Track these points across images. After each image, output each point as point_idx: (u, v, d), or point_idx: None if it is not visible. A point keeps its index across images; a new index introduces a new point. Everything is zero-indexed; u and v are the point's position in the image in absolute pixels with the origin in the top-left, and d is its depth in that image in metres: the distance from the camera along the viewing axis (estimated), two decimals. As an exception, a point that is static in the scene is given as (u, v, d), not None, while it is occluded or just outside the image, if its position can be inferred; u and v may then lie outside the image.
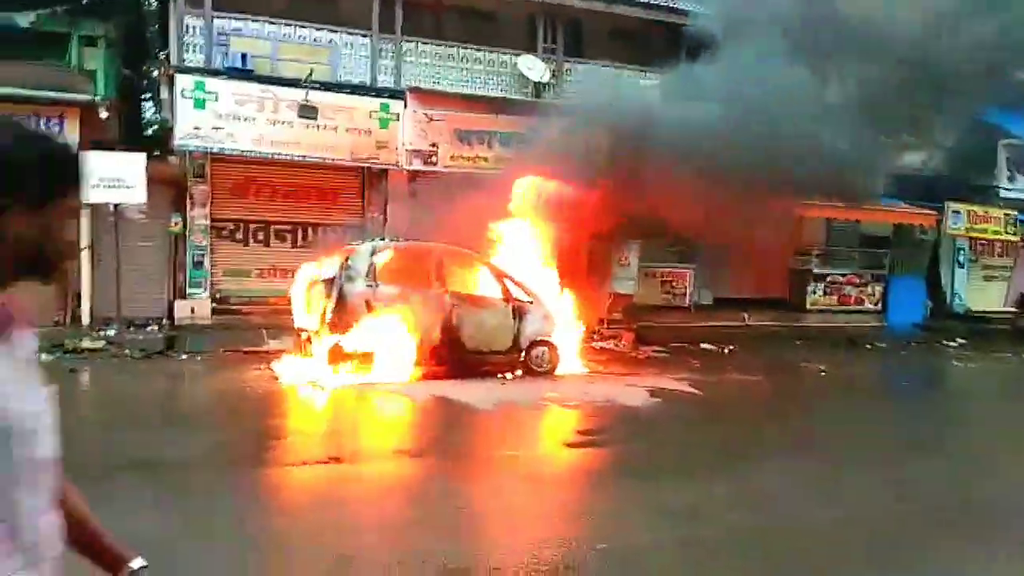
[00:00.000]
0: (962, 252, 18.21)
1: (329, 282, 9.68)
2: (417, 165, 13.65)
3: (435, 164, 13.68)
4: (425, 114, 13.57)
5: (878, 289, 17.23)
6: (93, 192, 10.41)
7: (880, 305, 17.24)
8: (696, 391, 9.49)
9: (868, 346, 14.35)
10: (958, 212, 16.75)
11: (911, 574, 4.36)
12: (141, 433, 6.76)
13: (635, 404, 8.68)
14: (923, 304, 17.52)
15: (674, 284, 15.89)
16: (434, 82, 14.16)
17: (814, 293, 16.70)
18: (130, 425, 7.08)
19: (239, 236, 13.48)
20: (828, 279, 16.83)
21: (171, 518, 4.75)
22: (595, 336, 12.78)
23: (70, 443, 5.16)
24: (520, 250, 11.18)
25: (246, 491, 5.31)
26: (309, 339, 9.71)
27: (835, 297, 16.90)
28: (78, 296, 12.13)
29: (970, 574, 4.36)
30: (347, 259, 9.76)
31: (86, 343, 10.74)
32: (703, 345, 13.18)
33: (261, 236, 13.63)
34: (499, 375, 9.89)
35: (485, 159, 13.84)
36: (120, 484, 5.38)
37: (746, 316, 15.55)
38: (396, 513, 5.15)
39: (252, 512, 4.94)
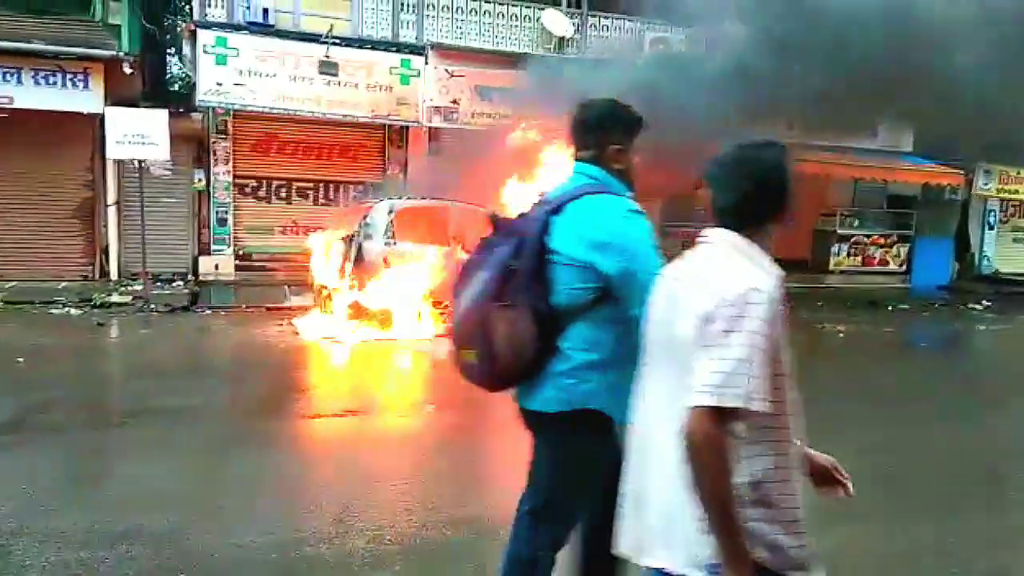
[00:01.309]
0: (992, 214, 17.86)
1: (348, 239, 9.80)
2: (437, 122, 13.61)
3: (455, 121, 13.63)
4: (446, 70, 13.48)
5: (903, 250, 16.99)
6: (117, 148, 10.57)
7: (905, 267, 17.02)
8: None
9: (890, 307, 14.22)
10: (989, 172, 16.39)
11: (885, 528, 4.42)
12: (165, 383, 6.99)
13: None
14: (950, 266, 17.27)
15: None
16: (456, 37, 14.04)
17: (837, 254, 16.52)
18: (155, 376, 7.31)
19: (261, 193, 13.62)
20: (852, 240, 16.62)
21: (190, 463, 4.97)
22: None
23: (99, 391, 5.46)
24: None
25: (263, 440, 5.50)
26: (329, 295, 9.88)
27: (859, 258, 16.70)
28: (106, 251, 12.40)
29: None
30: (366, 217, 9.86)
31: (114, 297, 11.03)
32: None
33: (283, 193, 13.76)
34: (516, 332, 9.98)
35: (506, 116, 13.74)
36: (145, 430, 5.62)
37: (767, 276, 15.43)
38: (408, 464, 5.30)
39: (268, 460, 5.13)
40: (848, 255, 16.59)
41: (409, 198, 10.55)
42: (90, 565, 3.50)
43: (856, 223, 16.70)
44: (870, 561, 3.93)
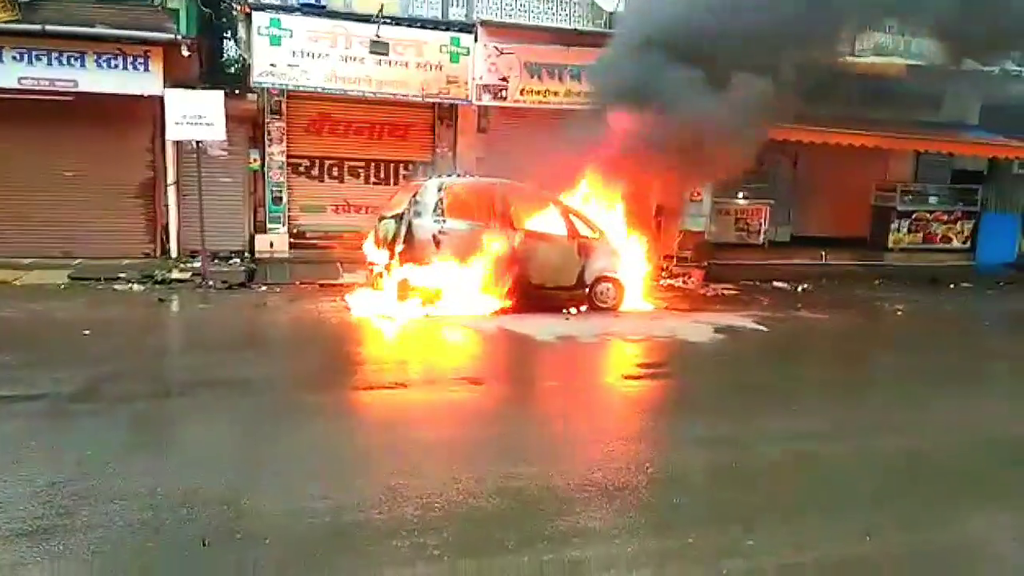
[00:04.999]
0: (1063, 188, 17.04)
1: (399, 217, 9.91)
2: (487, 100, 13.59)
3: (504, 99, 13.60)
4: (496, 47, 13.43)
5: (967, 227, 16.36)
6: (176, 129, 10.87)
7: (969, 243, 16.39)
8: (762, 328, 9.39)
9: (951, 285, 13.75)
10: (1061, 145, 15.61)
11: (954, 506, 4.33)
12: (223, 356, 7.25)
13: (698, 340, 8.68)
14: (1016, 242, 16.59)
15: (749, 221, 15.51)
16: (506, 15, 13.97)
17: (898, 231, 16.00)
18: (214, 349, 7.58)
19: (314, 172, 13.85)
20: (914, 216, 16.07)
21: (248, 431, 5.15)
22: (663, 274, 12.70)
23: (161, 363, 5.67)
24: (588, 186, 11.11)
25: (317, 411, 5.66)
26: (380, 273, 10.03)
27: (920, 235, 16.14)
28: (166, 229, 12.80)
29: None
30: (416, 195, 9.95)
31: (174, 274, 11.40)
32: (775, 283, 12.93)
33: (335, 172, 13.96)
34: (563, 310, 10.00)
35: (555, 93, 13.66)
36: (204, 399, 5.84)
37: (823, 254, 15.10)
38: (457, 435, 5.40)
39: (321, 430, 5.28)
40: (909, 232, 16.06)
41: (460, 176, 10.58)
42: (153, 526, 3.67)
43: (917, 199, 16.14)
44: None
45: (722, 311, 10.47)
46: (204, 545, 3.49)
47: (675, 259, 13.32)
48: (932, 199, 16.19)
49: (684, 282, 12.71)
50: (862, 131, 13.43)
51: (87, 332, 7.79)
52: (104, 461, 4.46)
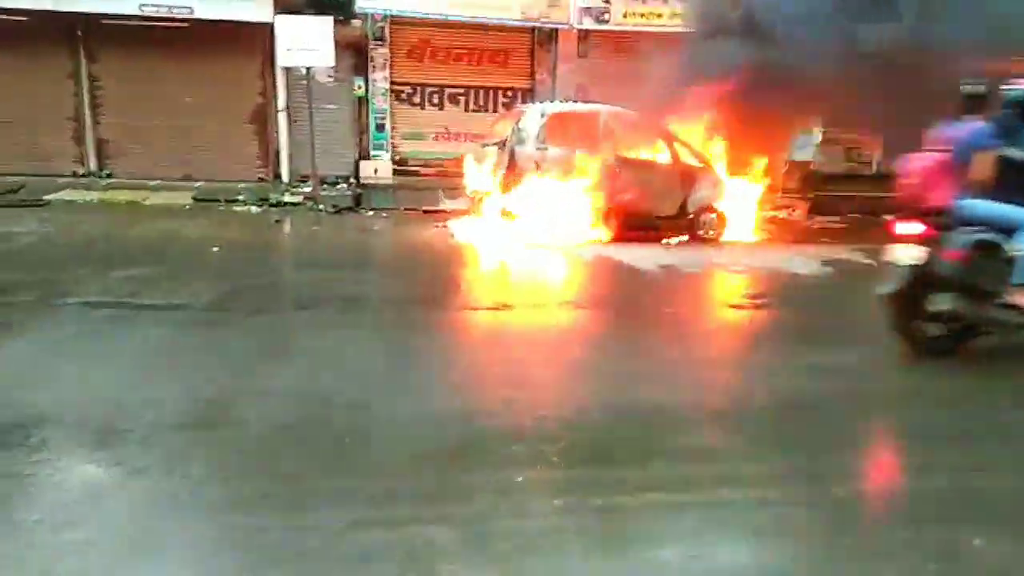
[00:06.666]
0: None
1: (501, 144, 9.99)
2: (588, 23, 13.32)
3: (607, 22, 13.28)
4: (598, -32, 13.07)
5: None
6: (287, 56, 11.19)
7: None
8: (872, 262, 9.08)
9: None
10: None
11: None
12: (338, 274, 7.64)
13: (805, 272, 8.51)
14: None
15: (859, 151, 14.78)
16: (610, -67, 13.50)
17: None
18: (329, 267, 7.98)
19: (416, 99, 14.03)
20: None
21: (369, 343, 5.48)
22: (768, 205, 12.36)
23: (282, 279, 6.03)
24: (694, 113, 10.82)
25: (430, 327, 5.95)
26: (482, 200, 10.19)
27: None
28: (278, 155, 13.33)
29: None
30: (518, 122, 9.97)
31: (287, 198, 11.93)
32: (887, 216, 12.36)
33: (436, 99, 14.10)
34: (664, 240, 9.95)
35: (659, 15, 13.24)
36: (327, 313, 6.21)
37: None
38: (565, 356, 5.56)
39: (436, 345, 5.56)
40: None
41: (563, 102, 10.51)
42: (296, 424, 4.01)
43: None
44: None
45: (829, 244, 10.18)
46: (345, 443, 3.80)
47: (780, 190, 12.91)
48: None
49: (789, 214, 12.36)
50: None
51: (216, 249, 8.34)
52: (245, 366, 4.86)
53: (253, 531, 2.96)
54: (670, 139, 10.16)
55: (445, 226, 10.40)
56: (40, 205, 10.81)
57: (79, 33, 12.52)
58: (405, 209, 11.72)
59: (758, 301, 7.36)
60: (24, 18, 12.05)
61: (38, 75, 12.55)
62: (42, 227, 9.30)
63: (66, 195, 11.50)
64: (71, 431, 3.76)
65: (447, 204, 11.78)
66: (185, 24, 12.27)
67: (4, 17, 12.01)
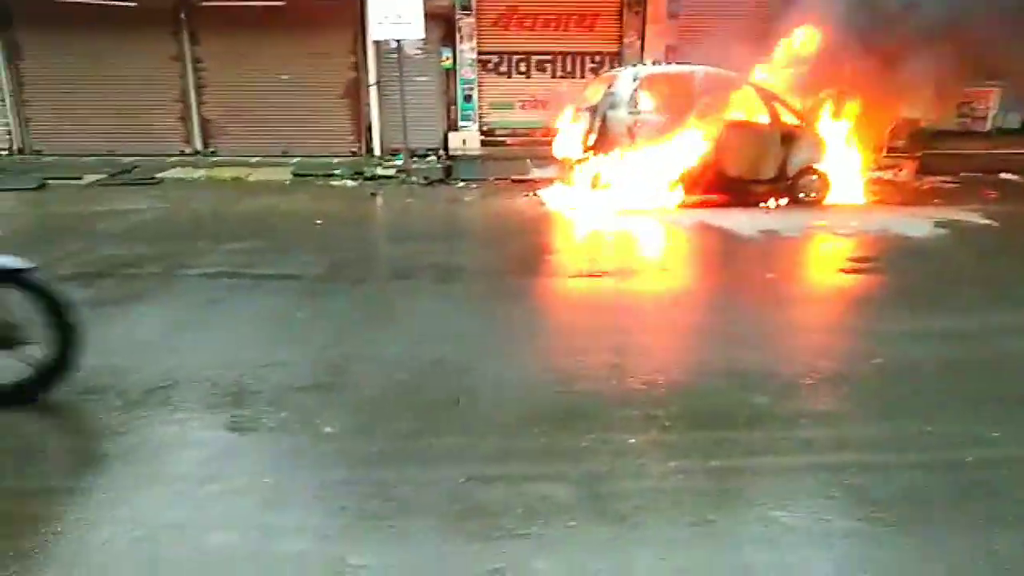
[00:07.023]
0: None
1: (592, 110, 9.87)
2: (679, -17, 12.94)
3: (698, -20, 12.87)
4: (689, -77, 12.64)
5: None
6: (379, 29, 11.35)
7: None
8: (991, 222, 8.58)
9: None
10: None
11: None
12: (435, 244, 7.78)
13: (916, 235, 8.11)
14: None
15: (973, 106, 13.89)
16: None
17: None
18: (425, 238, 8.14)
19: (503, 68, 14.01)
20: None
21: (470, 310, 5.58)
22: (873, 165, 11.79)
23: (383, 250, 6.22)
24: (793, 71, 10.39)
25: (528, 294, 6.02)
26: (573, 167, 10.13)
27: None
28: (369, 129, 13.61)
29: None
30: (610, 86, 9.83)
31: (380, 171, 12.19)
32: (1003, 175, 11.64)
33: (522, 67, 14.04)
34: (763, 204, 9.66)
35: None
36: (428, 282, 6.35)
37: (1064, 142, 13.30)
38: (668, 321, 5.52)
39: (536, 311, 5.62)
40: None
41: (655, 64, 10.28)
42: (411, 385, 4.15)
43: None
44: None
45: (941, 205, 9.67)
46: (457, 404, 3.91)
47: (886, 149, 12.29)
48: None
49: (895, 174, 11.77)
50: None
51: (319, 222, 8.63)
52: (355, 332, 5.05)
53: (379, 485, 3.10)
54: (769, 97, 9.80)
55: (536, 195, 10.41)
56: (153, 183, 11.44)
57: (182, 16, 13.06)
58: (495, 179, 11.80)
59: (866, 265, 7.07)
60: (132, 4, 12.66)
61: (146, 59, 13.20)
62: (157, 204, 9.85)
63: (176, 173, 12.13)
64: (206, 392, 4.01)
65: (536, 173, 11.78)
66: (280, 3, 12.62)
67: (114, 4, 12.65)
